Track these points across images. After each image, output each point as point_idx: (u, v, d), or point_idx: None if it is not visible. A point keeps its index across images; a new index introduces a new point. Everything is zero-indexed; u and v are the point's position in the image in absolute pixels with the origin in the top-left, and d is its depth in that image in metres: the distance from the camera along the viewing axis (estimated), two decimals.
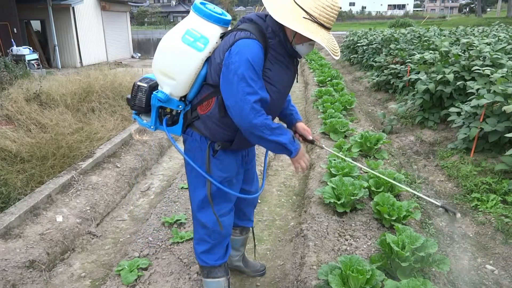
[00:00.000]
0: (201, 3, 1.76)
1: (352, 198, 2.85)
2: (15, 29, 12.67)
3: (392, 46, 8.79)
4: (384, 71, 7.97)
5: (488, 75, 4.43)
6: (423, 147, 4.88)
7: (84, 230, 3.15)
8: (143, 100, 1.85)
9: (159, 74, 1.80)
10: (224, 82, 1.64)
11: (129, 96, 1.91)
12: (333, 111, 5.32)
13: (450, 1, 73.91)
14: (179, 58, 1.72)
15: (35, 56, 12.44)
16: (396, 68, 7.32)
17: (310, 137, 2.07)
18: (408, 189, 2.30)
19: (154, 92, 1.83)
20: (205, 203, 1.91)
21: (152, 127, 1.91)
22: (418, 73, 5.89)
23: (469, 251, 2.83)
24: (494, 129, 3.73)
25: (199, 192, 1.91)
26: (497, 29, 11.29)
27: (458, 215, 1.88)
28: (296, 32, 1.60)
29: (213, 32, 1.74)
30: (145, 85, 1.85)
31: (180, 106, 1.84)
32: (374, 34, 11.69)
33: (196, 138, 1.84)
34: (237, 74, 1.58)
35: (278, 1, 1.62)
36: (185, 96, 1.84)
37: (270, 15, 1.62)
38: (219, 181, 1.85)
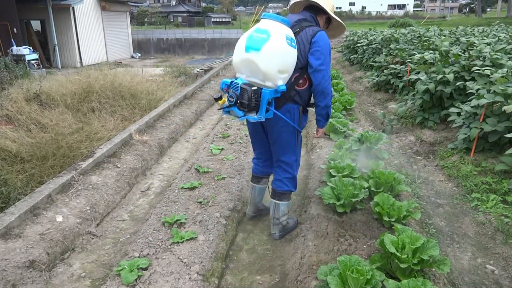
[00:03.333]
0: (271, 15, 2.38)
1: (352, 199, 2.85)
2: (15, 29, 12.68)
3: (392, 46, 8.78)
4: (384, 71, 7.97)
5: (488, 75, 4.43)
6: (423, 147, 4.88)
7: (84, 230, 3.15)
8: (257, 100, 2.34)
9: (277, 73, 2.29)
10: (320, 57, 2.42)
11: (229, 98, 2.38)
12: (333, 111, 5.32)
13: (450, 1, 73.90)
14: (291, 57, 2.34)
15: (35, 56, 12.45)
16: (396, 68, 7.32)
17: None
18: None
19: (263, 90, 2.33)
20: (298, 148, 2.80)
21: (260, 116, 2.39)
22: (418, 73, 5.89)
23: (469, 251, 2.83)
24: (494, 129, 3.73)
25: (293, 143, 2.72)
26: (497, 29, 11.29)
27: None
28: (325, 23, 2.74)
29: (292, 33, 2.39)
30: (255, 88, 2.33)
31: (282, 92, 2.41)
32: (374, 34, 11.68)
33: (295, 107, 2.58)
34: (328, 51, 2.46)
35: (327, 5, 2.61)
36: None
37: (310, 13, 2.62)
38: (301, 131, 2.76)
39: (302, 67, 2.47)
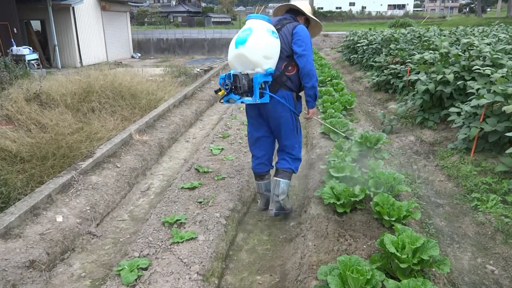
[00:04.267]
0: (252, 15, 2.86)
1: (352, 199, 2.85)
2: (15, 29, 12.67)
3: (392, 46, 8.78)
4: (384, 71, 7.97)
5: (488, 75, 4.43)
6: (423, 147, 4.88)
7: (84, 230, 3.15)
8: (249, 83, 2.73)
9: (263, 58, 2.70)
10: (301, 44, 2.81)
11: (225, 87, 2.80)
12: (333, 111, 5.32)
13: (450, 1, 73.89)
14: (274, 44, 2.76)
15: (35, 56, 12.44)
16: (396, 68, 7.31)
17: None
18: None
19: (254, 74, 2.71)
20: (298, 132, 3.13)
21: (257, 100, 2.75)
22: (418, 73, 5.89)
23: (469, 251, 2.83)
24: (494, 129, 3.73)
25: (293, 127, 3.06)
26: (497, 29, 11.29)
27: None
28: (305, 21, 3.14)
29: (273, 27, 2.83)
30: (245, 73, 2.74)
31: (271, 74, 2.80)
32: (374, 34, 11.67)
33: (288, 94, 2.93)
34: (308, 39, 2.86)
35: (305, 8, 3.06)
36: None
37: (290, 15, 3.05)
38: (299, 115, 3.09)
39: (289, 56, 2.88)
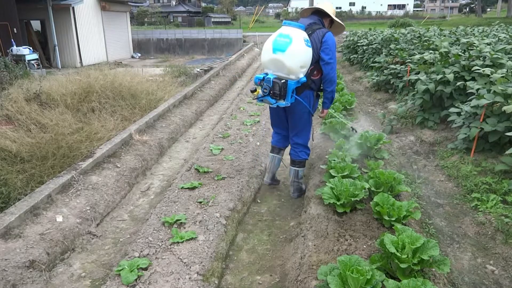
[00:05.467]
0: (290, 22, 3.14)
1: (352, 199, 2.85)
2: (15, 29, 12.67)
3: (392, 46, 8.78)
4: (384, 71, 7.97)
5: (488, 75, 4.43)
6: (423, 147, 4.88)
7: (84, 230, 3.15)
8: (284, 89, 3.08)
9: (299, 68, 3.04)
10: (329, 53, 3.16)
11: (263, 90, 3.08)
12: (333, 111, 5.32)
13: (450, 1, 73.86)
14: (309, 55, 3.08)
15: (35, 56, 12.43)
16: (396, 68, 7.31)
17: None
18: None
19: (289, 81, 3.07)
20: (310, 129, 3.58)
21: (287, 101, 3.12)
22: (418, 73, 5.89)
23: (469, 251, 2.83)
24: (494, 129, 3.73)
25: (307, 127, 3.52)
26: (497, 29, 11.28)
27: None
28: (329, 23, 3.45)
29: (307, 36, 3.11)
30: (281, 79, 3.06)
31: (303, 83, 3.19)
32: (374, 34, 11.67)
33: (310, 93, 3.35)
34: (334, 48, 3.20)
35: (329, 9, 3.36)
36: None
37: (317, 17, 3.35)
38: (313, 114, 3.50)
39: (316, 61, 3.20)
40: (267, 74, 3.13)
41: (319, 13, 3.38)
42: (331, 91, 3.32)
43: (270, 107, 3.49)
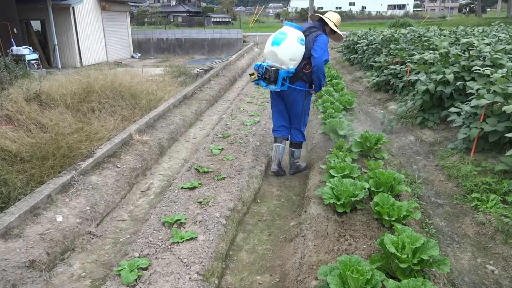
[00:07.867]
0: (289, 23, 3.78)
1: (352, 199, 2.85)
2: (15, 29, 12.66)
3: (392, 46, 8.78)
4: (384, 71, 7.97)
5: (488, 75, 4.43)
6: (423, 147, 4.88)
7: (84, 230, 3.15)
8: (275, 76, 3.68)
9: (289, 60, 3.64)
10: (320, 49, 3.67)
11: (258, 74, 3.76)
12: (333, 111, 5.32)
13: (450, 1, 73.86)
14: (299, 51, 3.66)
15: (35, 56, 12.43)
16: (396, 68, 7.31)
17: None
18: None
19: (280, 70, 3.67)
20: (306, 113, 4.15)
21: (277, 87, 3.74)
22: (418, 73, 5.89)
23: (469, 251, 2.83)
24: (494, 129, 3.73)
25: (301, 113, 4.06)
26: (497, 29, 11.28)
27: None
28: (329, 32, 3.97)
29: (303, 35, 3.72)
30: (274, 67, 3.69)
31: (292, 73, 3.76)
32: (374, 34, 11.67)
33: (303, 84, 3.92)
34: (324, 47, 3.70)
35: (333, 19, 3.92)
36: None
37: (319, 23, 3.93)
38: (309, 103, 4.09)
39: (308, 57, 3.76)
40: (264, 62, 3.79)
41: (323, 22, 3.92)
42: (317, 77, 3.79)
43: (271, 100, 4.17)
